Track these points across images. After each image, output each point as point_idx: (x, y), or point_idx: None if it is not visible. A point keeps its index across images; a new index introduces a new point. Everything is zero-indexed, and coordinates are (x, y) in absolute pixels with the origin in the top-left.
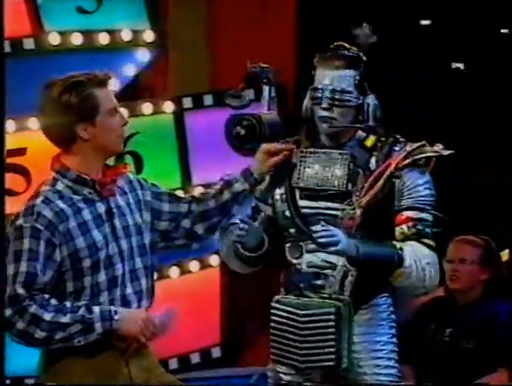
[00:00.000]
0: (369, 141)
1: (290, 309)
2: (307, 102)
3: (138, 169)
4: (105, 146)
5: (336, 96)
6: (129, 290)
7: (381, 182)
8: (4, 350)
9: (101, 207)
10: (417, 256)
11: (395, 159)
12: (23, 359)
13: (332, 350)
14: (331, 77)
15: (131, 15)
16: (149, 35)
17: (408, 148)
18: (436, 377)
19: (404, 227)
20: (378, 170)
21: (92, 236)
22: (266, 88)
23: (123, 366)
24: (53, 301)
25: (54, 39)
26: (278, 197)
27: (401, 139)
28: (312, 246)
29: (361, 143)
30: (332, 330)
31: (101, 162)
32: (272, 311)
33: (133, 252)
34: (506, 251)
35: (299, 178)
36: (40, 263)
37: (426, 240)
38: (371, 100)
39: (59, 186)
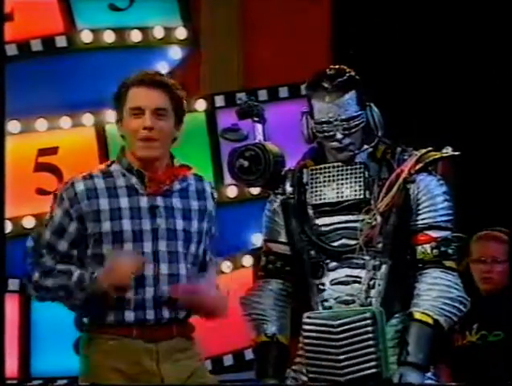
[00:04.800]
0: (378, 152)
1: (323, 321)
2: (308, 130)
3: None
4: (129, 147)
5: (347, 126)
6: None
7: (396, 187)
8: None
9: (143, 202)
10: (446, 303)
11: (407, 165)
12: (54, 359)
13: (373, 357)
14: (335, 107)
15: (163, 12)
16: (181, 33)
17: (418, 153)
18: (469, 375)
19: (427, 247)
20: (391, 178)
21: (120, 224)
22: (258, 126)
23: (153, 365)
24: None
25: (86, 36)
26: (294, 224)
27: (408, 148)
28: (334, 264)
29: (370, 154)
30: (370, 335)
31: (144, 160)
32: (304, 327)
33: (177, 256)
34: None
35: (313, 197)
36: (58, 233)
37: (448, 263)
38: (373, 110)
39: (113, 167)
